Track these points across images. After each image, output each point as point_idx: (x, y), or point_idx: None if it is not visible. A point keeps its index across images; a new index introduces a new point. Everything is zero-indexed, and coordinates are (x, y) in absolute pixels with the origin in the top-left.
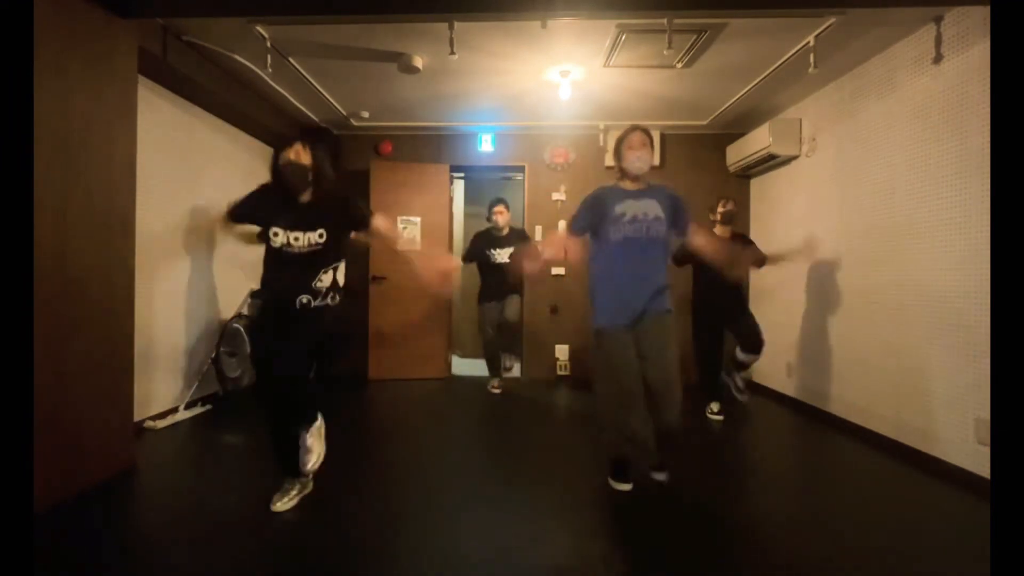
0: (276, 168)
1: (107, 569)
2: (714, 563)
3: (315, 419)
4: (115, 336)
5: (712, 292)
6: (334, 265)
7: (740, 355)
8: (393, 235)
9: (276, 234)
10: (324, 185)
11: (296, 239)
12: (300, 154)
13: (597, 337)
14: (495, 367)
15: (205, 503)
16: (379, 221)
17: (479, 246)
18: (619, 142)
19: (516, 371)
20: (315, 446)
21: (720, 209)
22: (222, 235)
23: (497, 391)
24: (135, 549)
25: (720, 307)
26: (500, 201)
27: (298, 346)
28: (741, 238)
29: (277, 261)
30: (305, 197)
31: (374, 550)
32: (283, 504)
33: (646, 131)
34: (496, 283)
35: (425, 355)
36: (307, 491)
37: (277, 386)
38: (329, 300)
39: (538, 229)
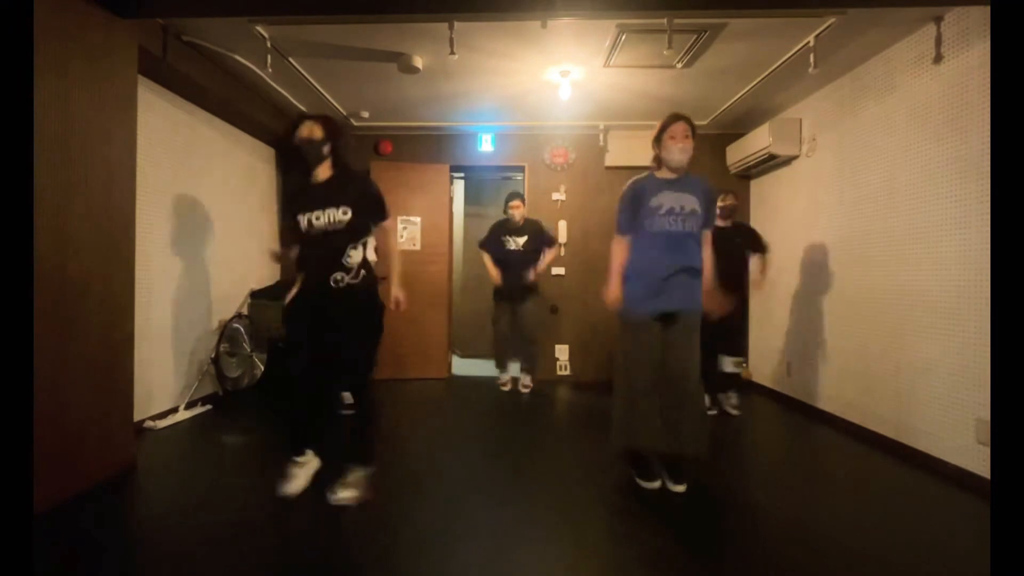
0: (293, 148)
1: (107, 569)
2: (713, 563)
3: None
4: (115, 336)
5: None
6: (363, 240)
7: (724, 364)
8: (392, 244)
9: (299, 220)
10: (341, 157)
11: (317, 218)
12: (313, 130)
13: (623, 326)
14: (502, 363)
15: (205, 503)
16: (391, 224)
17: (495, 233)
18: (661, 130)
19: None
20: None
21: (720, 203)
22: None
23: (506, 388)
24: (135, 549)
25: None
26: (517, 195)
27: (347, 333)
28: (741, 227)
29: (306, 245)
30: (324, 173)
31: (375, 550)
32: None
33: (689, 121)
34: (510, 276)
35: (425, 355)
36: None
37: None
38: (360, 278)
39: None
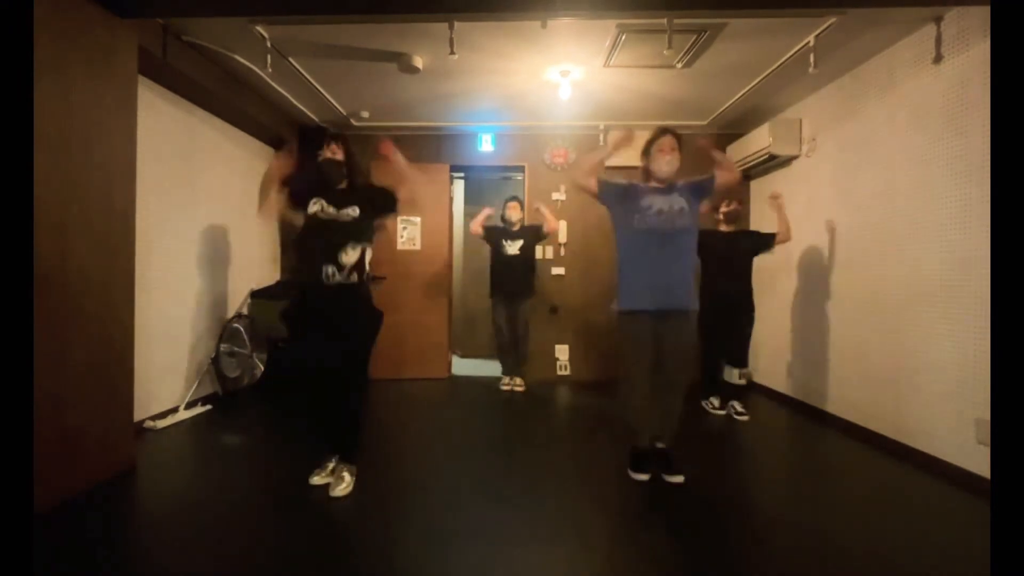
0: (316, 165)
1: (107, 569)
2: (713, 563)
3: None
4: (115, 336)
5: (721, 283)
6: (363, 244)
7: (731, 375)
8: (404, 172)
9: (315, 202)
10: (358, 176)
11: (327, 207)
12: (336, 151)
13: (619, 321)
14: (508, 367)
15: (205, 503)
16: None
17: (493, 236)
18: (649, 143)
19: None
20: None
21: (724, 209)
22: (266, 200)
23: (507, 388)
24: (135, 549)
25: (727, 299)
26: (514, 198)
27: (342, 342)
28: (745, 232)
29: (309, 229)
30: (342, 186)
31: (374, 550)
32: (342, 489)
33: (676, 134)
34: (507, 278)
35: (425, 355)
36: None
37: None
38: (352, 279)
39: None
